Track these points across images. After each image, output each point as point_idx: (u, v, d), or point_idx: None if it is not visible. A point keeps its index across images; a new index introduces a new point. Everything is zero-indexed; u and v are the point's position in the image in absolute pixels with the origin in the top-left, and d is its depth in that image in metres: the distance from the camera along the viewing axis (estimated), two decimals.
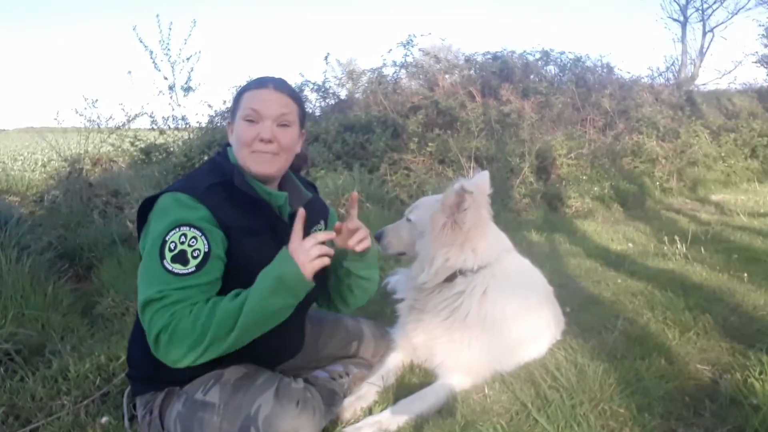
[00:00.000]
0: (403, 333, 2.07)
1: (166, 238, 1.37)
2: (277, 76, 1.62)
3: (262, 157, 1.52)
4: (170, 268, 1.35)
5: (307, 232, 1.69)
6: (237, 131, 1.54)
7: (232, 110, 1.60)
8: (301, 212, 1.44)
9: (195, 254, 1.37)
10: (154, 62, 6.13)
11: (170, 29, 6.05)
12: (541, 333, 2.13)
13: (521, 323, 2.01)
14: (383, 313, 2.65)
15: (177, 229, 1.37)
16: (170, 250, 1.36)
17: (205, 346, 1.32)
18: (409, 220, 2.11)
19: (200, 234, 1.38)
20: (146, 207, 1.49)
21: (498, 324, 1.94)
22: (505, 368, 1.97)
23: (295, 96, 1.61)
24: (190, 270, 1.36)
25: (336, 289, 1.77)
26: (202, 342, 1.31)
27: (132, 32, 5.99)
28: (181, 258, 1.36)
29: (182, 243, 1.37)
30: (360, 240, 1.59)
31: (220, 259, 1.43)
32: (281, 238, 1.56)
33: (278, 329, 1.55)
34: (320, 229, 1.78)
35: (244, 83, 1.63)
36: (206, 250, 1.38)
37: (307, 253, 1.39)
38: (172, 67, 6.21)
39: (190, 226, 1.38)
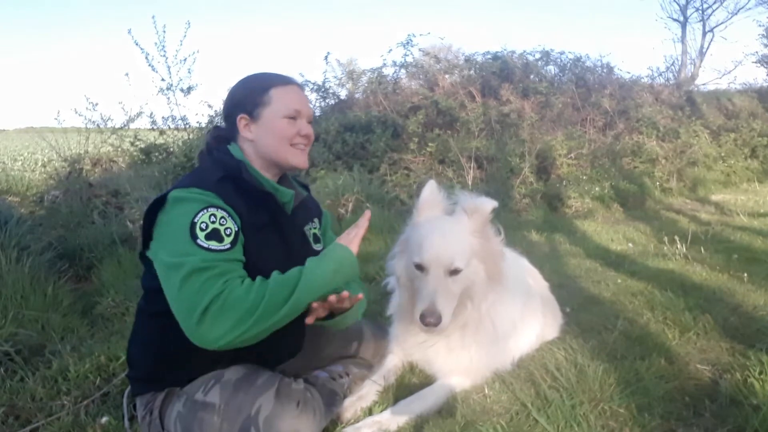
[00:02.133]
0: (398, 344, 2.04)
1: (195, 220, 1.37)
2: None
3: (299, 150, 1.62)
4: (206, 245, 1.35)
5: (301, 230, 1.72)
6: (276, 128, 1.58)
7: (253, 105, 1.58)
8: (367, 216, 1.54)
9: (227, 232, 1.40)
10: (150, 64, 6.17)
11: (164, 31, 6.11)
12: (531, 324, 2.13)
13: (518, 320, 2.02)
14: (383, 313, 2.65)
15: (205, 210, 1.39)
16: (202, 230, 1.37)
17: (256, 318, 1.31)
18: (458, 271, 1.71)
19: (227, 215, 1.41)
20: (154, 209, 1.45)
21: (499, 325, 1.93)
22: (501, 366, 1.97)
23: None
24: (226, 246, 1.38)
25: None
26: (254, 311, 1.31)
27: (128, 35, 6.04)
28: (215, 235, 1.38)
29: (213, 222, 1.38)
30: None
31: (242, 241, 1.46)
32: (284, 231, 1.59)
33: (279, 330, 1.55)
34: (314, 228, 1.79)
35: (265, 78, 1.64)
36: (236, 229, 1.42)
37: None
38: (169, 68, 6.25)
39: (217, 207, 1.41)
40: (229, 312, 1.30)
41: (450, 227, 1.77)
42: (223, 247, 1.37)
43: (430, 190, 1.88)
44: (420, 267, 1.72)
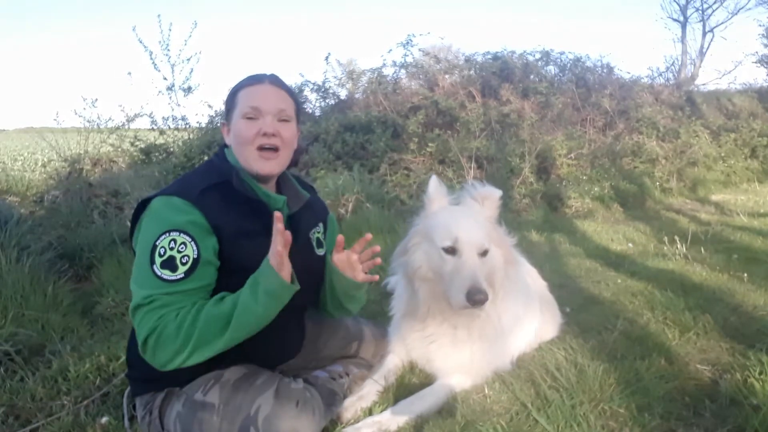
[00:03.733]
0: (400, 342, 2.04)
1: (157, 243, 1.37)
2: (269, 73, 1.61)
3: (266, 155, 1.52)
4: (159, 273, 1.36)
5: (305, 235, 1.69)
6: (237, 130, 1.52)
7: (227, 110, 1.59)
8: (278, 216, 1.36)
9: (184, 260, 1.38)
10: (153, 63, 6.17)
11: (170, 30, 6.09)
12: (531, 322, 2.14)
13: (519, 323, 2.02)
14: (383, 313, 2.65)
15: (167, 234, 1.38)
16: (160, 256, 1.37)
17: (190, 350, 1.34)
18: (486, 252, 1.76)
19: (190, 240, 1.39)
20: (141, 209, 1.48)
21: (504, 320, 1.93)
22: (502, 364, 1.97)
23: (291, 91, 1.62)
24: (178, 276, 1.37)
25: (330, 300, 1.77)
26: (186, 346, 1.33)
27: (132, 32, 6.04)
28: (170, 264, 1.37)
29: (171, 249, 1.37)
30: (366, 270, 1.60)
31: (211, 264, 1.43)
32: None
33: (278, 330, 1.55)
34: (319, 233, 1.78)
35: (241, 81, 1.61)
36: (195, 256, 1.39)
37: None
38: (172, 67, 6.25)
39: (180, 231, 1.38)
40: (165, 346, 1.34)
41: (470, 212, 1.84)
42: (174, 277, 1.37)
43: (435, 184, 1.93)
44: (451, 250, 1.73)
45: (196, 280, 1.39)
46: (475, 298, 1.61)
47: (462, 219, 1.80)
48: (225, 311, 1.34)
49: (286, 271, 1.35)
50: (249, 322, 1.36)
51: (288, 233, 1.34)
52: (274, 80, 1.58)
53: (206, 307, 1.36)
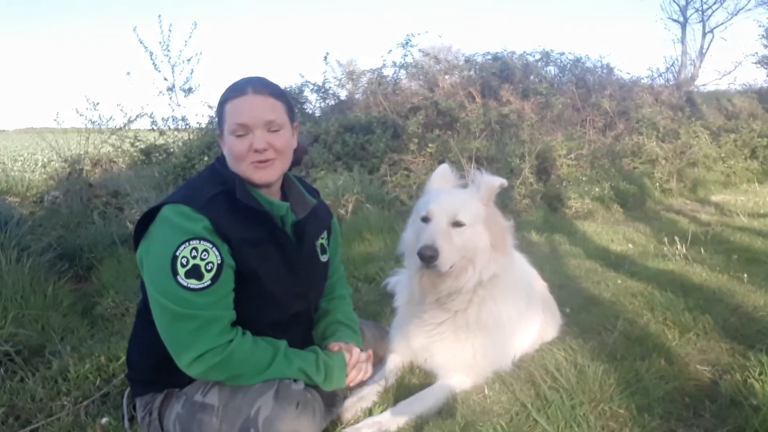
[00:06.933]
0: (402, 335, 2.06)
1: (177, 254, 1.35)
2: (255, 76, 1.55)
3: (261, 165, 1.49)
4: (185, 284, 1.35)
5: (311, 245, 1.69)
6: (229, 146, 1.50)
7: (219, 121, 1.56)
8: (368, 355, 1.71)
9: (209, 267, 1.37)
10: (154, 63, 6.19)
11: (170, 30, 6.11)
12: (534, 322, 2.16)
13: (521, 321, 2.03)
14: (383, 313, 2.65)
15: (187, 243, 1.36)
16: (182, 266, 1.35)
17: (248, 378, 1.45)
18: (460, 224, 1.80)
19: (211, 246, 1.38)
20: (147, 218, 1.45)
21: (504, 324, 1.94)
22: (504, 363, 1.98)
23: (278, 93, 1.54)
24: (206, 284, 1.36)
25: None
26: (256, 374, 1.45)
27: (132, 33, 6.05)
28: (195, 273, 1.35)
29: (194, 257, 1.36)
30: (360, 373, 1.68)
31: (231, 268, 1.43)
32: (284, 248, 1.55)
33: (280, 332, 1.55)
34: (323, 239, 1.77)
35: (226, 90, 1.53)
36: (219, 261, 1.38)
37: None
38: (173, 68, 6.26)
39: (200, 239, 1.37)
40: (231, 367, 1.41)
41: (459, 191, 1.95)
42: (202, 285, 1.36)
43: (444, 169, 2.01)
44: (425, 219, 1.83)
45: (222, 285, 1.40)
46: (424, 253, 1.70)
47: (443, 193, 1.89)
48: (295, 366, 1.52)
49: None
50: (291, 374, 1.51)
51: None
52: (258, 88, 1.49)
53: (279, 355, 1.49)
